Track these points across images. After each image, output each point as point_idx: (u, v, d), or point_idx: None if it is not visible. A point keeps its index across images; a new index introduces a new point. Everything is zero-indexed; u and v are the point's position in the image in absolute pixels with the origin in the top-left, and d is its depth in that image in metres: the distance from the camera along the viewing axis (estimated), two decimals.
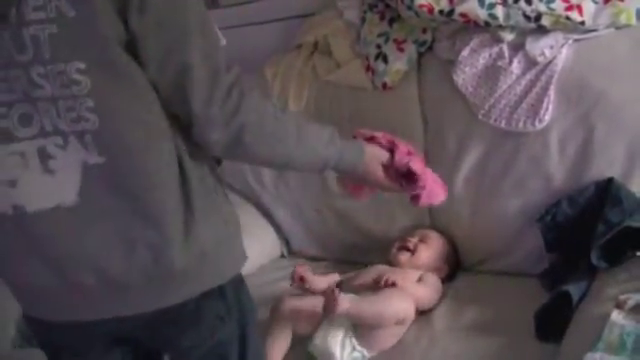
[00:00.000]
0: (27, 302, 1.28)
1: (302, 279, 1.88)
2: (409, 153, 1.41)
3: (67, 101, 1.10)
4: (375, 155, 1.40)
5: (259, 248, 2.33)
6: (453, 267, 2.09)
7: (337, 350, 1.72)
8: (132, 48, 1.11)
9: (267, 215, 2.43)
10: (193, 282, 1.23)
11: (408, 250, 2.02)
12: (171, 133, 1.18)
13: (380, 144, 1.41)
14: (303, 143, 1.27)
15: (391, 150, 1.41)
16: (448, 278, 2.05)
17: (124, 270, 1.17)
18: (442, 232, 2.12)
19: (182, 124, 1.18)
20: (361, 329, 1.74)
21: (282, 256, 2.44)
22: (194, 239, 1.20)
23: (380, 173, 1.40)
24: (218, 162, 2.53)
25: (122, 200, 1.15)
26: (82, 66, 1.09)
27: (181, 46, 1.12)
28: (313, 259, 2.35)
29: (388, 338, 1.78)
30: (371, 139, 1.41)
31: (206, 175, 1.26)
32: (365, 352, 1.74)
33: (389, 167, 1.40)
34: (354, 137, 1.44)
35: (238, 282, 1.33)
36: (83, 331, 1.24)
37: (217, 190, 1.29)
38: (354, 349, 1.73)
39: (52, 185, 1.14)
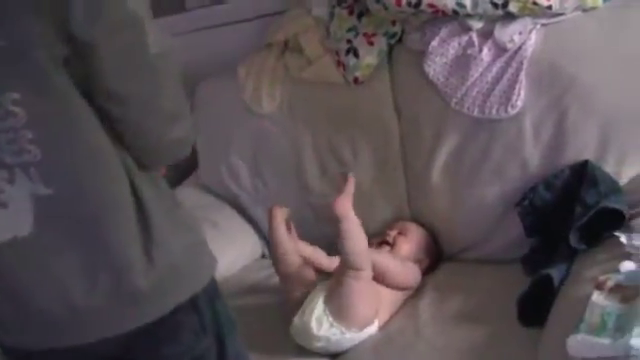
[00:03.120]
0: None
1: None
2: None
3: (8, 134, 1.07)
4: None
5: (239, 249, 2.33)
6: (433, 259, 2.08)
7: (314, 326, 1.71)
8: (79, 60, 1.07)
9: (246, 216, 2.42)
10: (166, 297, 1.21)
11: (387, 244, 2.02)
12: (117, 149, 1.16)
13: None
14: None
15: None
16: (429, 270, 2.05)
17: (88, 296, 1.15)
18: (422, 223, 2.13)
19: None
20: (333, 305, 1.72)
21: (263, 256, 2.43)
22: (159, 254, 1.18)
23: None
24: (194, 164, 2.53)
25: (78, 227, 1.14)
26: (16, 96, 1.05)
27: (139, 49, 1.11)
28: None
29: (361, 313, 1.75)
30: None
31: (159, 185, 1.24)
32: (343, 329, 1.72)
33: None
34: None
35: (212, 294, 1.30)
36: (54, 357, 1.21)
37: (172, 198, 1.27)
38: (331, 325, 1.72)
39: (6, 218, 1.12)
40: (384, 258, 1.88)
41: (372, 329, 1.78)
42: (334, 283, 1.76)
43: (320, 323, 1.72)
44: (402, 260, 1.93)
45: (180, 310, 1.22)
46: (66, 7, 1.02)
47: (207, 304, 1.28)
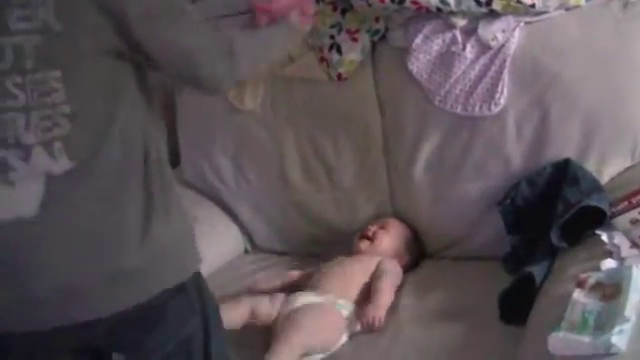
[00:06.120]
0: None
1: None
2: None
3: (43, 110, 1.12)
4: None
5: (222, 245, 2.32)
6: (414, 255, 2.09)
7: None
8: (136, 52, 1.19)
9: (228, 211, 2.41)
10: (154, 281, 1.22)
11: (368, 238, 2.03)
12: (143, 129, 1.21)
13: None
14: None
15: None
16: (410, 266, 2.05)
17: (83, 276, 1.16)
18: (404, 220, 2.13)
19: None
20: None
21: (246, 252, 2.43)
22: (154, 238, 1.20)
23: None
24: (175, 162, 2.52)
25: (89, 205, 1.15)
26: (58, 74, 1.11)
27: (180, 35, 1.23)
28: (277, 254, 2.34)
29: (330, 332, 1.74)
30: None
31: (165, 171, 1.27)
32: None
33: None
34: None
35: (197, 276, 1.32)
36: (39, 341, 1.20)
37: (173, 186, 1.29)
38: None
39: (12, 197, 1.13)
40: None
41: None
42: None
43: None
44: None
45: (168, 293, 1.23)
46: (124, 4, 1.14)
47: (195, 290, 1.30)
